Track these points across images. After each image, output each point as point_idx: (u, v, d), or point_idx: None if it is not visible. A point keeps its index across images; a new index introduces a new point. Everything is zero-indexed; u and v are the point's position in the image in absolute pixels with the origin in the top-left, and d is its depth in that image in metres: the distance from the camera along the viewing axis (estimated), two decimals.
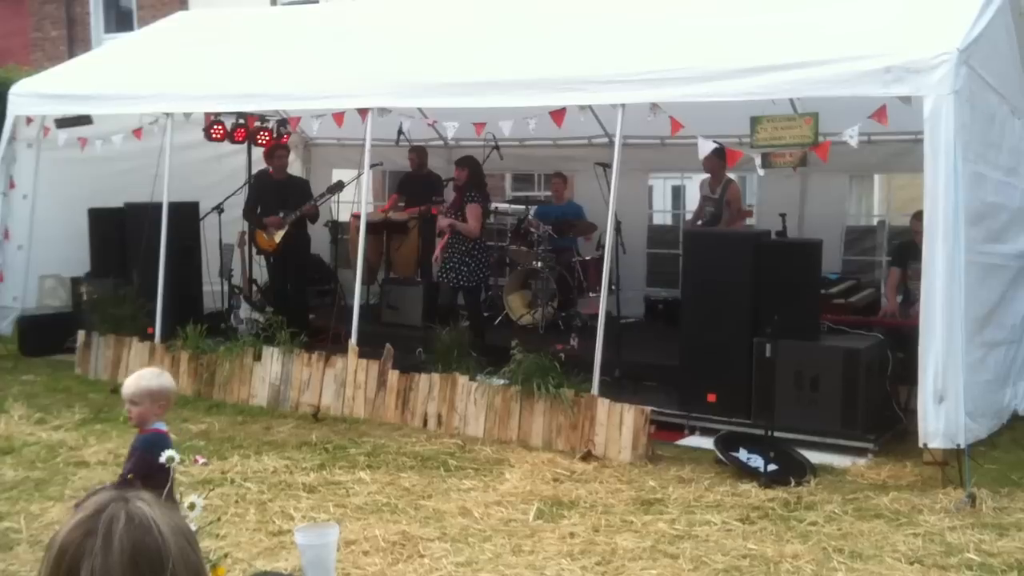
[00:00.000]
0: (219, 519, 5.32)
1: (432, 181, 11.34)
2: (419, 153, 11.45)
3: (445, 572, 4.92)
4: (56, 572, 1.42)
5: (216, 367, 8.87)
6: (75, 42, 19.32)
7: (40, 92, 10.53)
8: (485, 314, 10.53)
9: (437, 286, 10.22)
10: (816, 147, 6.97)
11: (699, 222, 10.19)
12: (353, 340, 8.32)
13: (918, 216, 8.56)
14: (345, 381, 8.26)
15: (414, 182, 11.51)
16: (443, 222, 9.34)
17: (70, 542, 1.43)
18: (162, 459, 3.21)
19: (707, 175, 10.30)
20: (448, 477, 6.56)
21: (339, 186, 10.36)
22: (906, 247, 9.15)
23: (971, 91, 6.66)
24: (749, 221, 10.96)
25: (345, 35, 9.67)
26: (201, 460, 6.74)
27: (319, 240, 11.25)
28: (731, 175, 10.00)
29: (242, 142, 10.86)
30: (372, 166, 9.43)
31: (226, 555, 3.99)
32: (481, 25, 9.11)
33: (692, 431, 7.68)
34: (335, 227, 11.10)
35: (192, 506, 2.93)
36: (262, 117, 10.68)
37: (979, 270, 6.92)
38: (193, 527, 2.80)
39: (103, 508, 1.46)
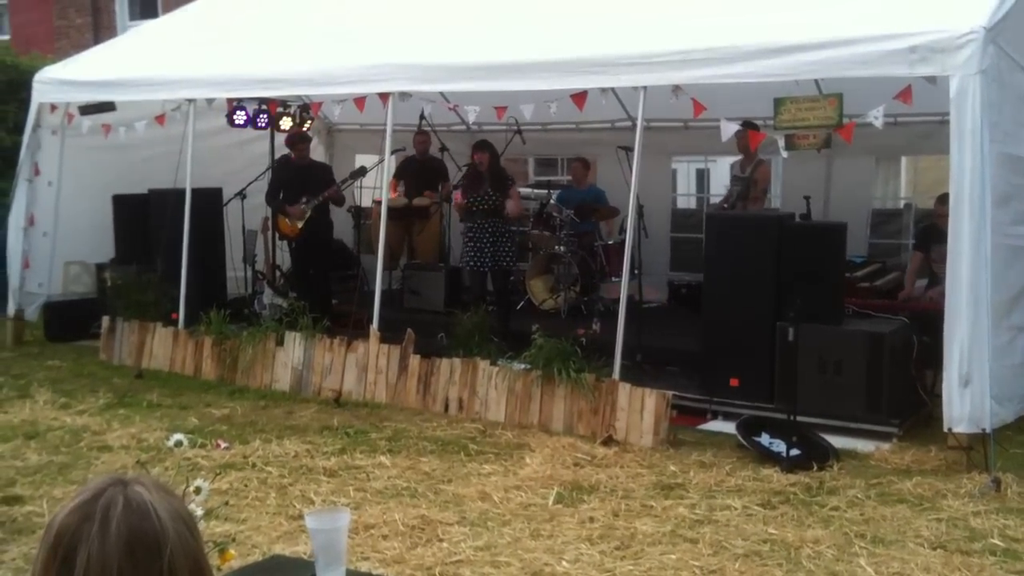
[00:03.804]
0: (227, 502, 5.33)
1: (435, 166, 11.26)
2: (427, 137, 11.33)
3: (464, 556, 4.91)
4: (53, 557, 1.41)
5: (239, 352, 8.91)
6: (100, 29, 19.41)
7: (64, 79, 10.57)
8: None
9: (459, 271, 10.20)
10: (840, 128, 6.89)
11: (726, 205, 10.11)
12: (375, 325, 8.33)
13: (942, 199, 8.48)
14: (367, 366, 8.27)
15: (418, 167, 11.39)
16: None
17: (67, 526, 1.43)
18: (170, 443, 3.21)
19: (738, 157, 10.20)
20: (468, 462, 6.55)
21: (361, 171, 10.36)
22: (929, 230, 9.06)
23: (999, 70, 6.55)
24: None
25: (366, 19, 9.64)
26: (223, 444, 6.80)
27: (342, 225, 11.26)
28: (761, 156, 9.90)
29: (264, 128, 10.87)
30: (394, 151, 9.42)
31: (233, 539, 3.99)
32: (502, 8, 9.06)
33: (714, 416, 7.64)
34: (358, 213, 11.10)
35: (198, 490, 2.92)
36: (284, 102, 10.69)
37: (1007, 252, 6.82)
38: (199, 511, 2.80)
39: (101, 492, 1.45)
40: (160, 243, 9.85)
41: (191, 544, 1.48)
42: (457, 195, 9.86)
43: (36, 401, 8.08)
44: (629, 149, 8.10)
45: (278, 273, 11.09)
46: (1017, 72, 7.12)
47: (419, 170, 11.26)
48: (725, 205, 10.09)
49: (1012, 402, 7.03)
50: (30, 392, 8.36)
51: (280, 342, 8.76)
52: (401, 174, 11.49)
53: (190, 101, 9.63)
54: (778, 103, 7.08)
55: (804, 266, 7.33)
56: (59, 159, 10.87)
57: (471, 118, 8.62)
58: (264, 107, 10.53)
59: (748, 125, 8.22)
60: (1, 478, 6.14)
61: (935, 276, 8.77)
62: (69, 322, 10.77)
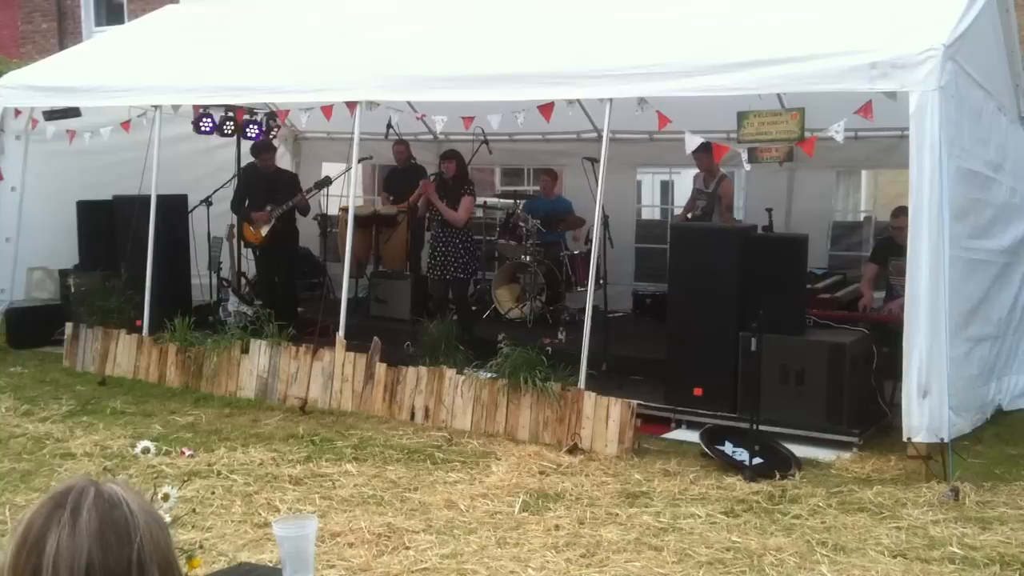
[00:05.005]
0: (194, 510, 5.33)
1: (418, 173, 11.33)
2: (404, 146, 11.43)
3: (430, 564, 4.93)
4: (23, 545, 1.43)
5: (204, 360, 8.87)
6: (65, 35, 19.26)
7: (29, 84, 10.51)
8: (473, 308, 10.56)
9: (426, 280, 10.24)
10: (802, 142, 6.99)
11: (689, 215, 10.21)
12: (341, 333, 8.33)
13: (897, 213, 8.64)
14: (333, 374, 8.27)
15: (401, 175, 11.51)
16: (430, 193, 9.36)
17: (38, 516, 1.45)
18: (137, 450, 3.21)
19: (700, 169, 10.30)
20: (434, 470, 6.58)
21: (326, 181, 10.37)
22: (885, 243, 9.21)
23: (957, 87, 6.68)
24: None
25: (334, 28, 9.67)
26: (188, 452, 6.77)
27: (308, 233, 11.24)
28: (724, 171, 10.02)
29: (231, 135, 10.83)
30: (361, 160, 9.44)
31: (200, 546, 3.99)
32: (470, 19, 9.11)
33: (678, 425, 7.71)
34: (324, 220, 11.10)
35: (166, 497, 2.93)
36: (251, 110, 10.66)
37: (964, 265, 6.95)
38: (167, 518, 2.81)
39: (73, 486, 1.48)
40: (125, 249, 9.80)
41: (161, 539, 1.50)
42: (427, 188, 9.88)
43: None
44: (595, 160, 8.16)
45: (243, 280, 11.06)
46: (974, 89, 7.28)
47: (404, 180, 11.31)
48: (689, 216, 10.19)
49: (970, 412, 7.16)
50: None
51: (245, 350, 8.74)
52: (388, 187, 11.56)
53: (156, 107, 9.60)
54: (741, 116, 7.17)
55: (766, 277, 7.42)
56: (23, 164, 10.79)
57: (438, 128, 8.65)
58: (231, 114, 10.50)
59: (705, 147, 8.28)
60: None
61: (892, 288, 8.91)
62: (32, 328, 10.67)
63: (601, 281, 8.56)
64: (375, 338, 8.28)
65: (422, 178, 11.14)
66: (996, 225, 7.85)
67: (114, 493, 1.48)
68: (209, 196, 10.50)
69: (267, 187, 10.21)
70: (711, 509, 5.80)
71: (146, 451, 3.27)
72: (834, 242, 11.56)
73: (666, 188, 18.62)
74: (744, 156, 7.27)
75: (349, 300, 8.66)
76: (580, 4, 8.90)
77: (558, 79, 7.63)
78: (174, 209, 10.17)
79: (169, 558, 1.50)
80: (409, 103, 9.05)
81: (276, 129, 11.22)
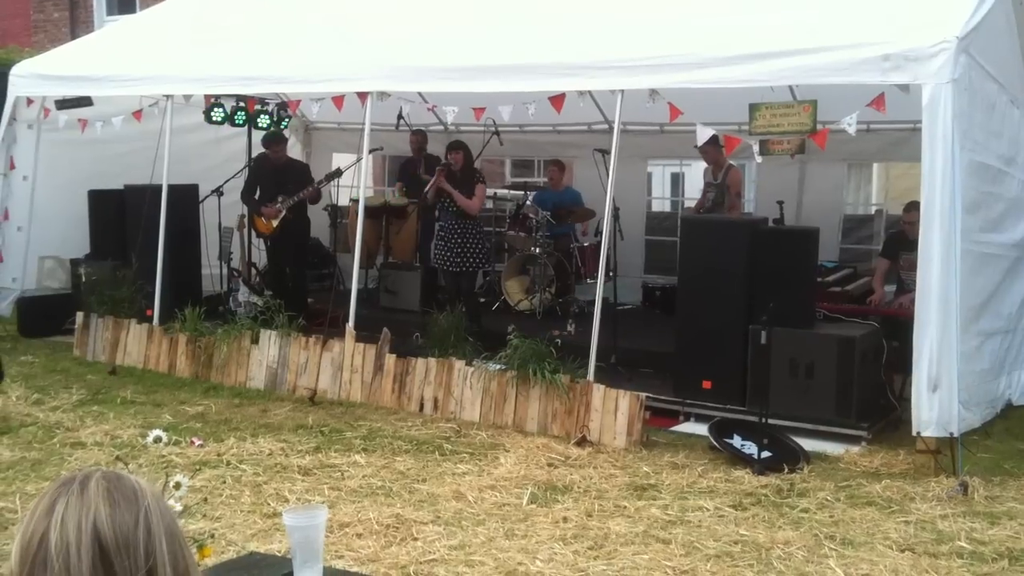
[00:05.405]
0: (205, 500, 5.35)
1: (432, 164, 11.34)
2: (420, 137, 11.46)
3: (438, 555, 4.94)
4: (32, 515, 1.48)
5: (214, 350, 8.90)
6: (77, 24, 19.29)
7: (41, 73, 10.54)
8: (482, 300, 10.56)
9: (435, 271, 10.23)
10: (814, 135, 6.98)
11: (701, 211, 10.18)
12: (351, 324, 8.34)
13: (909, 208, 8.62)
14: (342, 365, 8.28)
15: (415, 165, 11.53)
16: (443, 182, 9.33)
17: (48, 491, 1.50)
18: (149, 439, 3.22)
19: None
20: (443, 461, 6.59)
21: (337, 173, 10.38)
22: (896, 237, 9.19)
23: (970, 80, 6.64)
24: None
25: (346, 18, 9.65)
26: (197, 442, 6.80)
27: (318, 224, 11.26)
28: (732, 161, 10.00)
29: (242, 125, 10.84)
30: (371, 151, 9.44)
31: (211, 535, 4.01)
32: (481, 9, 9.09)
33: (687, 417, 7.71)
34: (334, 211, 11.11)
35: (178, 485, 2.94)
36: (262, 100, 10.68)
37: (975, 259, 6.92)
38: (179, 507, 2.82)
39: (81, 470, 1.54)
40: (136, 239, 9.82)
41: (167, 510, 1.54)
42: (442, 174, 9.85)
43: (9, 397, 8.02)
44: (606, 152, 8.15)
45: (254, 271, 11.08)
46: (988, 81, 7.24)
47: (418, 169, 11.32)
48: (701, 211, 10.17)
49: (979, 407, 7.14)
50: (3, 388, 8.29)
51: (255, 340, 8.75)
52: (404, 176, 11.58)
53: (167, 97, 9.61)
54: (753, 109, 7.15)
55: (777, 270, 7.41)
56: (35, 153, 10.84)
57: (449, 119, 8.65)
58: (242, 104, 10.52)
59: (711, 140, 8.28)
60: None
61: (903, 282, 8.89)
62: (43, 317, 10.70)
63: (611, 273, 8.55)
64: (385, 329, 8.29)
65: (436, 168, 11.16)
66: (1007, 219, 7.82)
67: (122, 472, 1.54)
68: (220, 186, 10.51)
69: (278, 177, 10.22)
70: (719, 502, 5.80)
71: (158, 440, 3.29)
72: (845, 235, 11.52)
73: (677, 180, 18.59)
74: (755, 148, 7.25)
75: (359, 291, 8.66)
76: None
77: (569, 70, 7.62)
78: (185, 199, 10.19)
79: (174, 528, 1.53)
80: (420, 94, 9.04)
81: (287, 119, 11.26)
